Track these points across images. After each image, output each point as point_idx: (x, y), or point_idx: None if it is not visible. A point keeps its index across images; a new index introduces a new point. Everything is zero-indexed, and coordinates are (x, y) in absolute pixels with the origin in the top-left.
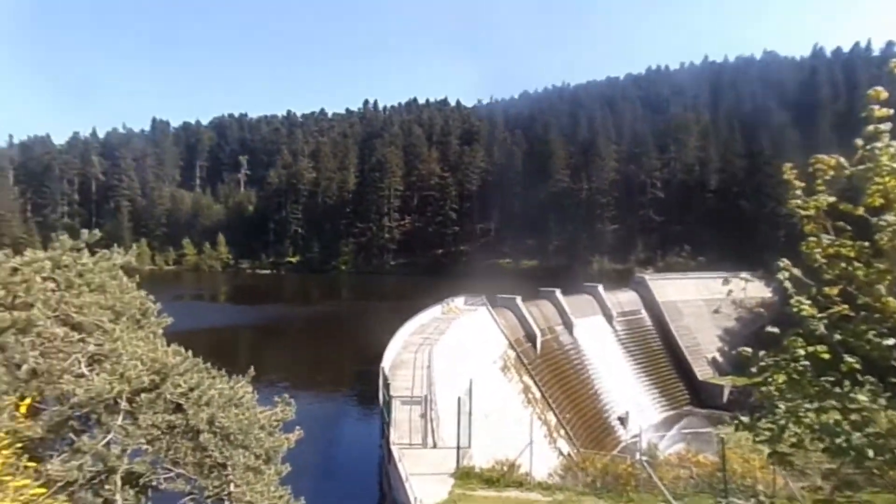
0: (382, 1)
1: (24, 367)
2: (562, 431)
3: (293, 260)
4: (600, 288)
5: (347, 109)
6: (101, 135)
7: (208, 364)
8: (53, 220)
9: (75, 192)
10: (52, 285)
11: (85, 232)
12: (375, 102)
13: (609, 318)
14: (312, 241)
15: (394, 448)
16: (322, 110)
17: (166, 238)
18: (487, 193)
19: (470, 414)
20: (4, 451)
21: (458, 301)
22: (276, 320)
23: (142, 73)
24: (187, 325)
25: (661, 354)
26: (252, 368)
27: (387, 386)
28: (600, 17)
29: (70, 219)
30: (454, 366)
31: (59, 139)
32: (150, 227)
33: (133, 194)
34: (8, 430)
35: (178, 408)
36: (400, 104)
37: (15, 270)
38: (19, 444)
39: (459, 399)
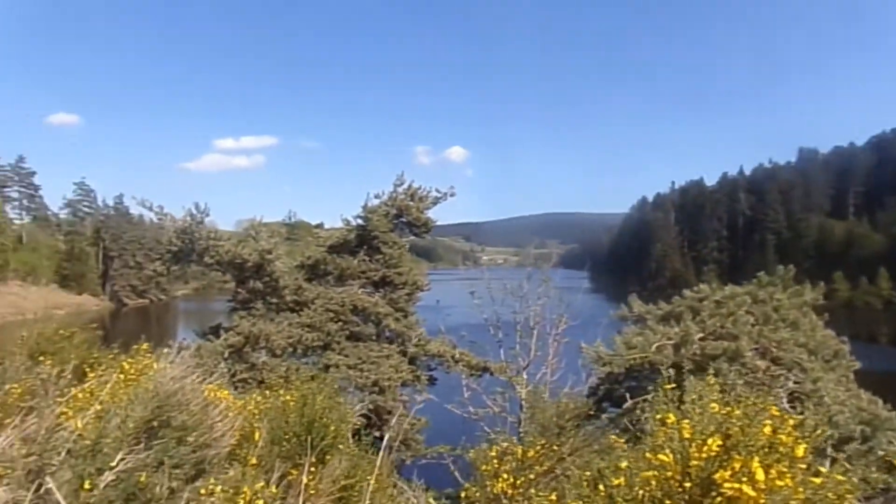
0: None
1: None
2: None
3: None
4: None
5: None
6: (747, 172)
7: None
8: (704, 254)
9: (724, 228)
10: (751, 319)
11: (780, 268)
12: None
13: None
14: None
15: None
16: None
17: (814, 271)
18: None
19: None
20: None
21: None
22: None
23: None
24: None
25: None
26: None
27: None
28: None
29: (718, 253)
30: None
31: (711, 181)
32: (796, 259)
33: (778, 227)
34: None
35: (892, 467)
36: None
37: (719, 303)
38: None
39: None
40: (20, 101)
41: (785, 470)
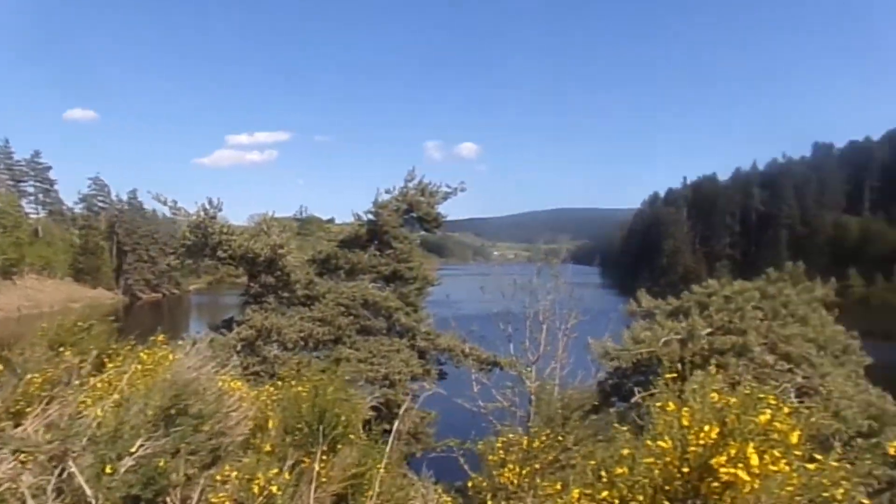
0: None
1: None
2: None
3: None
4: None
5: None
6: (760, 167)
7: None
8: (717, 250)
9: (736, 223)
10: (759, 314)
11: (790, 264)
12: None
13: None
14: None
15: None
16: None
17: (829, 268)
18: None
19: None
20: None
21: None
22: None
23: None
24: None
25: None
26: None
27: None
28: None
29: (731, 249)
30: None
31: (724, 176)
32: (810, 256)
33: (793, 223)
34: None
35: None
36: None
37: (728, 298)
38: None
39: None
40: (38, 97)
41: (779, 456)
